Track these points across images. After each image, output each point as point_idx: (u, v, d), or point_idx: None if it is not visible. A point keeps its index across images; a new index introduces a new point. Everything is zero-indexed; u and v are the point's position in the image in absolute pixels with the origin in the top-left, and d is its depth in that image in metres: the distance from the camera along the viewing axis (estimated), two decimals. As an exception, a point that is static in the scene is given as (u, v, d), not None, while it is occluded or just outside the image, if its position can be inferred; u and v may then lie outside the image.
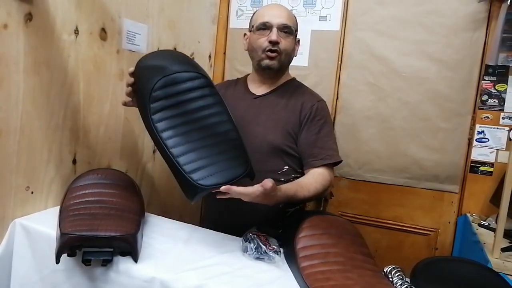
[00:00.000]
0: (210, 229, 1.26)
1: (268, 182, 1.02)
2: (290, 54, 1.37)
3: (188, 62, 1.18)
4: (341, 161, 1.34)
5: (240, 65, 2.15)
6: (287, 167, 1.33)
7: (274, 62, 1.33)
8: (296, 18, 1.40)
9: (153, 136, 1.05)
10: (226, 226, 1.25)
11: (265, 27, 1.32)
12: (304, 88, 1.44)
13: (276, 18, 1.31)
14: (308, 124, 1.33)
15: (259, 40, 1.33)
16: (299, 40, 1.42)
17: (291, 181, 1.34)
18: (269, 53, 1.32)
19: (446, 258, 1.35)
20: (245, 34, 1.43)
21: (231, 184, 1.02)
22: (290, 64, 1.43)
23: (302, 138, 1.33)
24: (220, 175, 1.03)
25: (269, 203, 1.10)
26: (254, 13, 1.41)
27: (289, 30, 1.32)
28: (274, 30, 1.30)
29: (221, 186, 1.00)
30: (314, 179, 1.27)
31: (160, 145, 1.03)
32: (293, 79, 1.46)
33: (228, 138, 1.11)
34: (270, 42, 1.30)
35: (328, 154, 1.31)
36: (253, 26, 1.37)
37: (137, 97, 1.12)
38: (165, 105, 1.06)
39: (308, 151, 1.32)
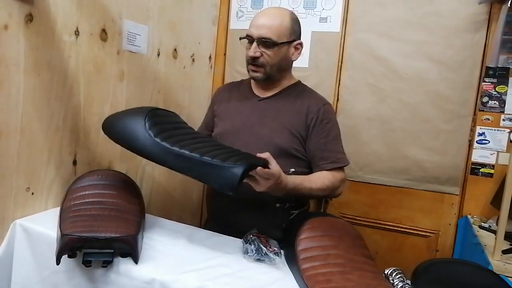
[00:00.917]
0: (215, 231, 1.25)
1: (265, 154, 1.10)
2: (277, 65, 1.33)
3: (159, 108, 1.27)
4: (348, 163, 1.37)
5: (240, 67, 2.15)
6: (293, 170, 1.32)
7: (258, 74, 1.33)
8: (292, 24, 1.33)
9: (164, 154, 1.04)
10: (233, 231, 1.23)
11: (249, 39, 1.32)
12: (310, 91, 1.43)
13: (258, 30, 1.29)
14: (316, 128, 1.33)
15: (246, 52, 1.34)
16: (300, 44, 1.37)
17: None
18: (251, 67, 1.33)
19: (446, 260, 1.34)
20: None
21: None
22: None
23: (312, 142, 1.33)
24: (247, 161, 1.04)
25: (278, 190, 1.13)
26: None
27: (268, 43, 1.28)
28: (254, 44, 1.29)
29: (257, 167, 1.04)
30: (321, 175, 1.30)
31: (177, 157, 1.02)
32: (298, 82, 1.45)
33: (227, 146, 1.16)
34: (250, 57, 1.31)
35: (338, 157, 1.33)
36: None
37: (129, 137, 1.10)
38: (162, 128, 1.09)
39: (318, 154, 1.32)
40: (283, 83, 1.40)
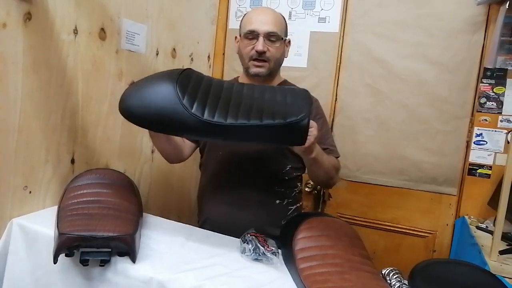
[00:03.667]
0: (211, 230, 1.25)
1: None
2: (278, 59, 1.36)
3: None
4: (339, 156, 1.39)
5: (238, 66, 2.11)
6: (289, 166, 1.36)
7: (262, 70, 1.33)
8: (285, 20, 1.39)
9: (222, 132, 0.97)
10: (232, 230, 1.23)
11: (252, 35, 1.31)
12: None
13: (263, 26, 1.30)
14: None
15: (246, 48, 1.33)
16: (289, 41, 1.41)
17: (293, 179, 1.39)
18: (256, 62, 1.32)
19: (444, 261, 1.35)
20: (236, 37, 1.42)
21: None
22: (289, 66, 1.43)
23: None
24: (303, 109, 0.98)
25: (315, 147, 1.13)
26: (243, 17, 1.40)
27: (275, 37, 1.31)
28: (261, 39, 1.30)
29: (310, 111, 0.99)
30: (328, 155, 1.29)
31: (237, 129, 0.95)
32: (285, 81, 1.46)
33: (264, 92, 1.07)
34: (257, 51, 1.30)
35: (331, 148, 1.36)
36: (241, 32, 1.37)
37: (169, 122, 0.98)
38: (201, 100, 0.98)
39: None
40: (274, 82, 1.42)
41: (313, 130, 1.06)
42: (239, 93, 1.03)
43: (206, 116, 0.95)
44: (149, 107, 0.99)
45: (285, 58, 1.42)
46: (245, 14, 1.41)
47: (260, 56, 1.31)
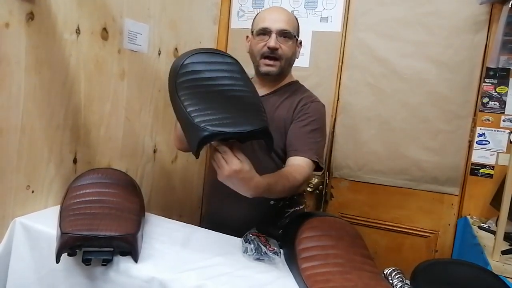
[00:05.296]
0: (210, 227, 1.26)
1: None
2: (290, 59, 1.35)
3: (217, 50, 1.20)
4: (317, 162, 1.28)
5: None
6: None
7: (273, 68, 1.31)
8: (297, 21, 1.38)
9: (172, 98, 1.07)
10: (227, 226, 1.24)
11: (265, 32, 1.30)
12: (304, 90, 1.42)
13: (276, 23, 1.29)
14: (297, 119, 1.30)
15: (258, 45, 1.31)
16: (301, 42, 1.40)
17: None
18: (267, 60, 1.30)
19: (446, 261, 1.34)
20: (247, 37, 1.42)
21: (239, 137, 0.98)
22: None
23: (289, 130, 1.29)
24: (230, 126, 0.94)
25: (248, 189, 1.00)
26: (255, 16, 1.39)
27: (288, 35, 1.30)
28: (273, 36, 1.28)
29: (225, 135, 0.93)
30: (293, 169, 1.21)
31: (177, 104, 1.03)
32: (296, 81, 1.44)
33: (247, 101, 1.05)
34: (269, 48, 1.29)
35: (305, 148, 1.25)
36: (253, 30, 1.35)
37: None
38: (189, 77, 1.08)
39: (289, 142, 1.28)
40: (285, 81, 1.40)
41: (229, 167, 0.95)
42: (219, 90, 1.05)
43: (178, 79, 1.08)
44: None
45: (296, 59, 1.39)
46: (257, 14, 1.39)
47: (272, 53, 1.29)
